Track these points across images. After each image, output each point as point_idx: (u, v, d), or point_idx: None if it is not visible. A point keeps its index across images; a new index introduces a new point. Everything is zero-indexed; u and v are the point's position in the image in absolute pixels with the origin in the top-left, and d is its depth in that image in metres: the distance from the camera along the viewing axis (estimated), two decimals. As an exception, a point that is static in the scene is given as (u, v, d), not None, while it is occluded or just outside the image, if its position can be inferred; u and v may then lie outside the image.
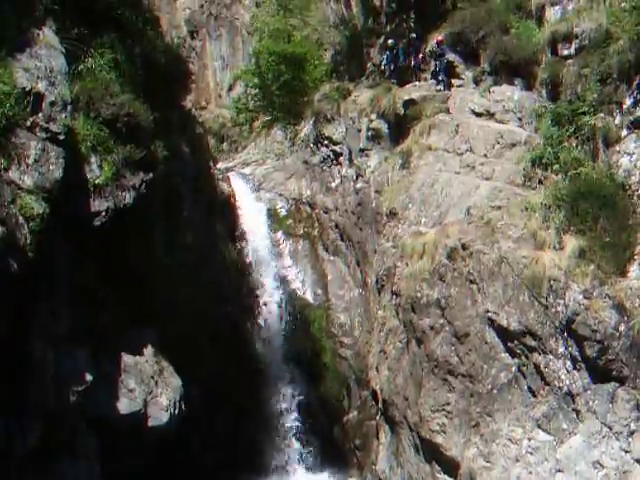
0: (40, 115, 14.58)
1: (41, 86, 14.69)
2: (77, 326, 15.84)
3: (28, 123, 14.33)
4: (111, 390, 16.35)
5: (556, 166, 18.18)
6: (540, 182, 18.55)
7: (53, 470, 14.84)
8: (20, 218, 13.12)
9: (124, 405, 16.44)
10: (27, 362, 13.68)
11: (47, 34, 15.46)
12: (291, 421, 22.51)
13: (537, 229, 16.64)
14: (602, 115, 18.10)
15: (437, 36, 24.62)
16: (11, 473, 13.24)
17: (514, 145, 20.22)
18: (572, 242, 16.05)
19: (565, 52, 20.54)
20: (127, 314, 17.16)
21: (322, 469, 21.84)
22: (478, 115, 21.85)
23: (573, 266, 15.71)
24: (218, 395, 20.98)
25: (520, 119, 21.01)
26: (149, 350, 17.55)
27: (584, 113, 18.37)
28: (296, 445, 22.30)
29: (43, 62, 14.93)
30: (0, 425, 12.92)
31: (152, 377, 17.23)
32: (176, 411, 17.32)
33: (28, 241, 13.12)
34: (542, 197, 17.22)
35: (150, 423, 16.82)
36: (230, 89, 37.31)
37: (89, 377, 15.44)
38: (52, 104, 14.77)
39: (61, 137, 14.73)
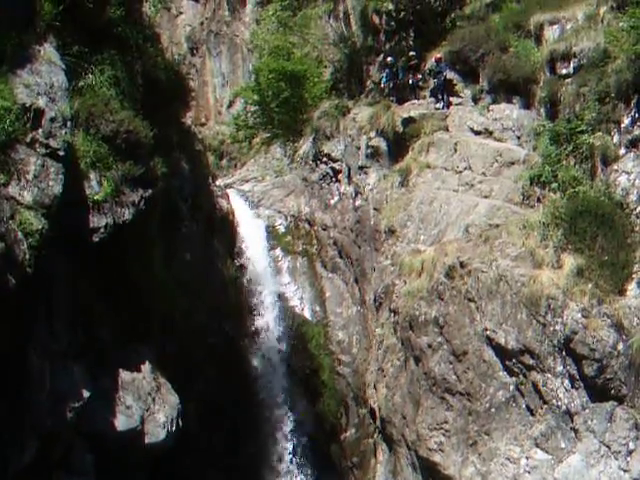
0: (40, 131, 14.59)
1: (41, 102, 14.72)
2: (75, 342, 15.82)
3: (28, 139, 14.34)
4: (108, 406, 16.28)
5: (554, 184, 18.23)
6: (538, 200, 18.59)
7: (49, 487, 14.80)
8: (19, 234, 13.12)
9: (121, 422, 16.37)
10: (24, 377, 13.65)
11: (48, 50, 15.51)
12: (289, 438, 22.42)
13: (535, 247, 16.65)
14: (600, 134, 18.18)
15: (436, 54, 24.71)
16: (7, 489, 13.19)
17: (512, 163, 20.27)
18: (570, 260, 16.07)
19: (564, 71, 20.65)
20: (125, 330, 17.13)
21: (319, 487, 21.77)
22: (477, 133, 21.92)
23: (571, 284, 15.72)
24: (215, 412, 20.92)
25: (519, 137, 21.08)
26: (146, 367, 17.50)
27: (582, 132, 18.43)
28: (293, 462, 22.21)
29: (43, 78, 14.97)
30: (-4, 441, 12.88)
31: (149, 394, 17.17)
32: (173, 428, 17.24)
33: (27, 257, 13.12)
34: (540, 215, 17.26)
35: (147, 440, 16.74)
36: (230, 106, 37.40)
37: (86, 393, 15.39)
38: (52, 120, 14.79)
39: (61, 153, 14.75)
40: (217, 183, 27.77)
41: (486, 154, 20.73)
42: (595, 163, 17.98)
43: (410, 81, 25.66)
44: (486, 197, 19.85)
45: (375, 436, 19.04)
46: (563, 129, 18.93)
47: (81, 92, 16.51)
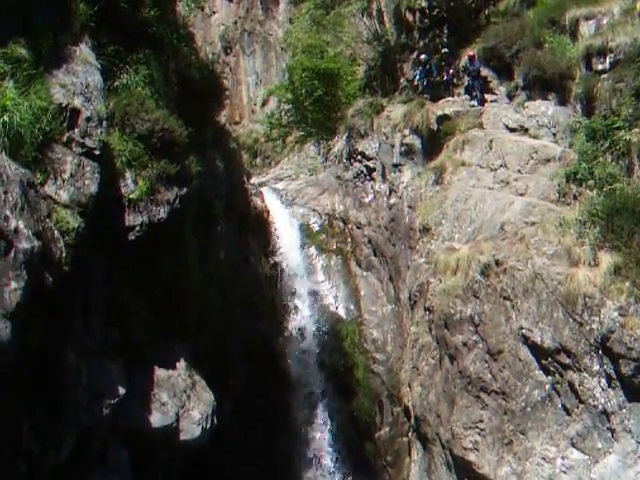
0: (76, 130, 14.74)
1: (77, 102, 14.86)
2: (110, 340, 15.96)
3: (64, 138, 14.49)
4: (143, 403, 16.40)
5: (591, 182, 18.05)
6: (575, 198, 18.42)
7: (86, 483, 14.94)
8: (56, 232, 13.26)
9: (156, 419, 16.48)
10: (60, 375, 13.79)
11: (83, 50, 15.66)
12: (323, 437, 22.45)
13: (572, 245, 16.49)
14: (637, 130, 17.96)
15: (469, 51, 24.59)
16: (44, 486, 13.33)
17: (548, 161, 20.11)
18: (607, 258, 15.89)
19: (599, 66, 20.43)
20: (160, 328, 17.24)
21: (354, 486, 21.79)
22: (512, 130, 21.77)
23: (608, 283, 15.55)
24: (250, 410, 21.00)
25: (554, 134, 20.91)
26: (182, 364, 17.60)
27: (619, 128, 18.23)
28: (328, 461, 22.24)
29: (79, 78, 15.12)
30: (33, 437, 13.02)
31: (184, 391, 17.27)
32: (208, 425, 17.33)
33: (63, 255, 13.25)
34: (577, 213, 17.09)
35: (182, 437, 16.84)
36: (263, 104, 37.55)
37: (122, 390, 15.52)
38: (88, 120, 14.93)
39: (97, 152, 14.88)
40: (251, 182, 27.88)
41: (521, 151, 20.59)
42: (632, 160, 17.77)
43: (444, 78, 25.59)
44: (522, 195, 19.71)
45: (409, 435, 18.99)
46: (599, 125, 18.73)
47: (116, 92, 16.64)
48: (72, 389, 14.07)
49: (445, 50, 26.03)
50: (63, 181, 14.15)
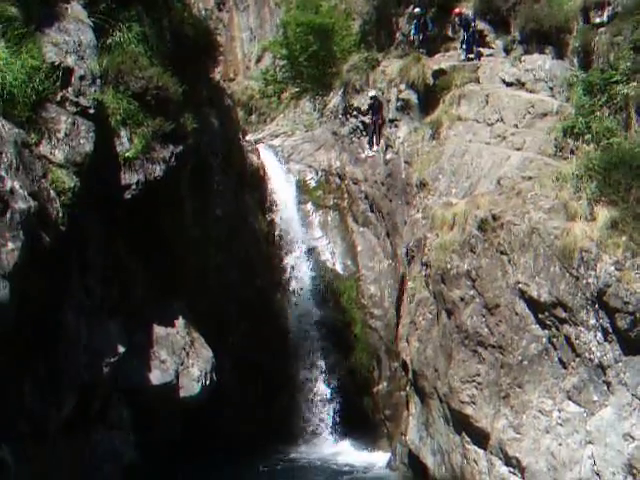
0: (70, 89, 14.65)
1: (70, 60, 14.75)
2: (109, 299, 16.03)
3: (58, 97, 14.41)
4: (143, 361, 16.55)
5: (588, 136, 17.99)
6: (572, 152, 18.37)
7: (88, 440, 15.09)
8: (52, 192, 13.24)
9: (156, 376, 16.63)
10: (60, 335, 13.87)
11: (75, 8, 15.52)
12: (322, 392, 22.64)
13: (568, 200, 16.48)
14: (635, 84, 17.84)
15: (457, 8, 24.28)
16: (47, 444, 13.46)
17: (545, 115, 20.02)
18: (604, 213, 15.88)
19: (597, 20, 20.26)
20: (158, 287, 17.31)
21: (352, 439, 21.98)
22: (509, 85, 21.64)
23: (605, 237, 15.56)
24: (249, 367, 21.15)
25: (551, 88, 20.79)
26: (180, 322, 17.71)
27: (617, 82, 18.11)
28: (327, 416, 22.45)
29: (71, 36, 15.00)
30: (35, 396, 13.13)
31: (183, 348, 17.40)
32: (207, 382, 17.49)
33: (60, 215, 13.25)
34: (574, 167, 17.05)
35: (182, 394, 17.01)
36: (258, 61, 37.24)
37: (121, 349, 15.63)
38: (81, 78, 14.83)
39: (91, 111, 14.81)
40: (247, 138, 27.76)
41: (518, 106, 20.48)
42: (630, 114, 17.69)
43: (440, 32, 25.33)
44: (518, 149, 19.65)
45: (407, 389, 19.13)
46: (597, 79, 18.61)
47: (109, 49, 16.52)
48: (72, 348, 14.17)
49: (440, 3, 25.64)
50: (58, 141, 14.10)
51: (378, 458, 19.93)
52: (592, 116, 18.17)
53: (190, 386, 17.20)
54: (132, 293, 16.89)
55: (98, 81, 15.27)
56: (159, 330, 17.13)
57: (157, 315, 17.22)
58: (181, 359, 17.15)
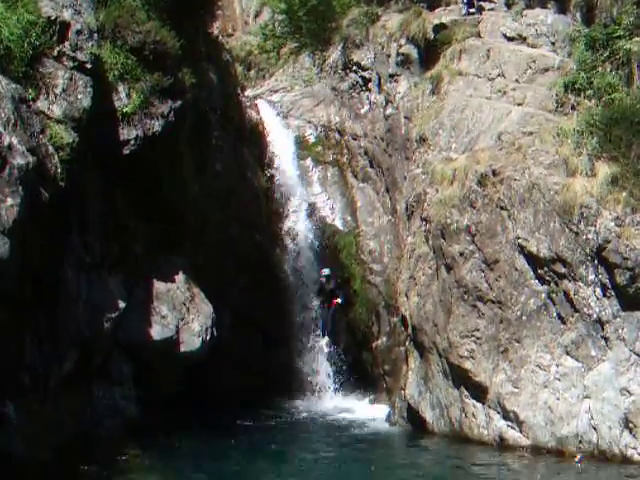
0: (66, 44, 14.53)
1: (67, 15, 14.62)
2: (108, 255, 16.05)
3: (55, 52, 14.30)
4: (144, 317, 16.62)
5: (589, 91, 17.86)
6: (573, 108, 18.25)
7: (89, 395, 15.22)
8: (50, 148, 13.19)
9: (157, 331, 16.72)
10: (61, 291, 13.92)
11: (70, -39, 15.29)
12: (321, 347, 22.76)
13: (569, 155, 16.43)
14: (638, 39, 17.68)
15: None
16: (48, 399, 13.57)
17: (547, 70, 19.86)
18: (604, 169, 15.85)
19: (600, -27, 19.99)
20: (158, 242, 17.32)
21: (351, 394, 22.15)
22: (510, 39, 21.44)
23: (605, 193, 15.55)
24: (249, 322, 21.26)
25: (553, 43, 20.60)
26: (180, 277, 17.75)
27: (619, 37, 17.94)
28: (326, 370, 22.59)
29: (68, -10, 14.81)
30: (37, 352, 13.21)
31: (184, 303, 17.46)
32: (208, 337, 17.58)
33: (59, 170, 13.22)
34: (575, 123, 16.96)
35: (182, 349, 17.11)
36: (257, 16, 36.76)
37: (122, 304, 15.70)
38: (78, 33, 14.70)
39: (88, 66, 14.70)
40: (246, 94, 27.56)
41: (519, 61, 20.31)
42: (632, 69, 17.54)
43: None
44: (519, 104, 19.53)
45: (406, 344, 19.23)
46: (599, 34, 18.43)
47: (106, 3, 16.32)
48: (72, 304, 14.24)
49: None
50: (55, 96, 14.02)
51: (377, 412, 20.08)
52: (594, 71, 18.02)
53: (191, 341, 17.29)
54: (132, 249, 16.91)
55: (95, 35, 15.14)
56: (159, 286, 17.17)
57: (157, 271, 17.26)
58: (181, 314, 17.22)
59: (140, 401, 16.23)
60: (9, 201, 11.50)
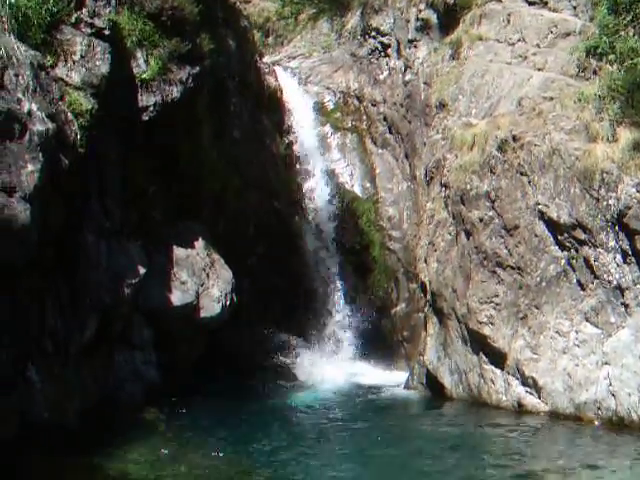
0: (84, 10, 14.50)
1: (84, -19, 14.55)
2: (128, 221, 16.11)
3: (72, 19, 14.26)
4: (164, 283, 16.69)
5: (611, 56, 17.63)
6: (594, 73, 18.05)
7: (110, 360, 15.36)
8: (69, 114, 13.22)
9: (177, 297, 16.80)
10: (81, 257, 14.01)
11: None
12: (340, 314, 22.82)
13: (590, 121, 16.28)
14: (662, 2, 17.44)
15: None
16: (70, 366, 13.71)
17: (568, 35, 19.62)
18: (626, 134, 15.70)
19: None
20: (177, 209, 17.37)
21: (370, 360, 22.22)
22: (531, 3, 21.16)
23: (627, 159, 15.42)
24: (269, 288, 21.31)
25: (574, 7, 20.31)
26: (200, 243, 17.81)
27: (643, 0, 17.72)
28: (345, 337, 22.67)
29: (85, -45, 14.74)
30: (58, 318, 13.33)
31: (203, 269, 17.52)
32: (228, 302, 17.66)
33: (78, 137, 13.25)
34: (596, 88, 16.79)
35: (202, 314, 17.20)
36: (275, -19, 36.45)
37: (142, 270, 15.77)
38: (95, -1, 14.67)
39: (106, 32, 14.67)
40: (264, 60, 27.42)
41: (540, 25, 20.08)
42: (655, 33, 17.35)
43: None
44: (540, 69, 19.34)
45: (425, 310, 19.25)
46: (622, -3, 18.21)
47: (123, -32, 16.22)
48: (93, 270, 14.33)
49: None
50: (74, 62, 14.00)
51: (396, 378, 20.16)
52: (616, 36, 17.79)
53: (210, 307, 17.37)
54: (151, 215, 16.96)
55: (113, 2, 15.09)
56: (179, 252, 17.23)
57: (176, 237, 17.32)
58: (201, 280, 17.29)
59: (160, 366, 16.36)
60: (29, 167, 11.54)
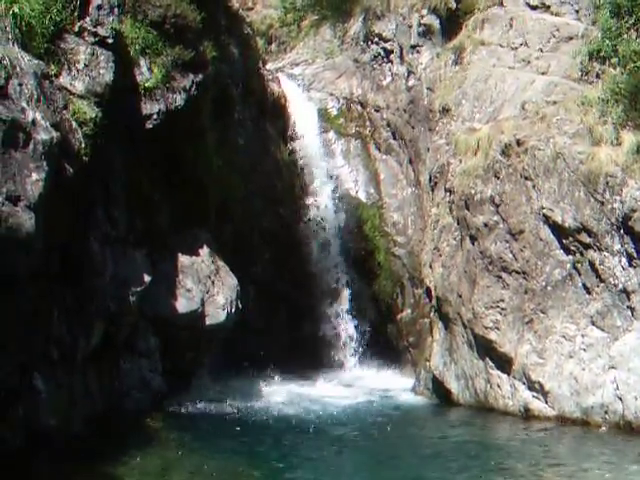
0: (87, 19, 14.51)
1: (87, -10, 14.58)
2: (133, 229, 16.14)
3: (76, 28, 14.27)
4: (169, 290, 16.70)
5: (614, 59, 17.66)
6: (597, 76, 18.08)
7: (117, 369, 15.37)
8: (73, 123, 13.22)
9: (182, 304, 16.80)
10: (86, 264, 14.01)
11: (90, -64, 15.24)
12: (346, 320, 22.82)
13: (594, 124, 16.29)
14: (664, 4, 17.46)
15: None
16: (76, 374, 13.71)
17: (571, 38, 19.68)
18: (630, 137, 15.71)
19: (626, -62, 19.66)
20: (182, 216, 17.38)
21: (376, 365, 22.21)
22: (533, 8, 21.21)
23: (630, 162, 15.43)
24: (274, 295, 21.31)
25: (577, 11, 20.37)
26: (205, 250, 17.82)
27: (645, 2, 17.73)
28: (351, 343, 22.66)
29: (88, -35, 14.78)
30: (64, 325, 13.33)
31: (209, 277, 17.53)
32: (233, 310, 17.66)
33: (82, 145, 13.25)
34: (599, 91, 16.81)
35: (208, 322, 17.19)
36: (277, -12, 36.53)
37: (147, 278, 15.78)
38: (99, 7, 14.68)
39: (110, 41, 14.68)
40: (267, 67, 27.48)
41: (543, 29, 20.13)
42: (658, 36, 17.37)
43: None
44: (543, 73, 19.38)
45: (431, 315, 19.25)
46: (624, 1, 18.17)
47: (126, -23, 16.26)
48: (98, 277, 14.33)
49: None
50: (77, 71, 14.01)
51: (402, 384, 20.14)
52: (619, 39, 17.80)
53: (216, 314, 17.37)
54: (156, 223, 16.97)
55: (116, 10, 15.11)
56: (184, 259, 17.24)
57: (182, 244, 17.33)
58: (206, 287, 17.29)
59: (166, 373, 16.36)
60: (34, 176, 11.54)
